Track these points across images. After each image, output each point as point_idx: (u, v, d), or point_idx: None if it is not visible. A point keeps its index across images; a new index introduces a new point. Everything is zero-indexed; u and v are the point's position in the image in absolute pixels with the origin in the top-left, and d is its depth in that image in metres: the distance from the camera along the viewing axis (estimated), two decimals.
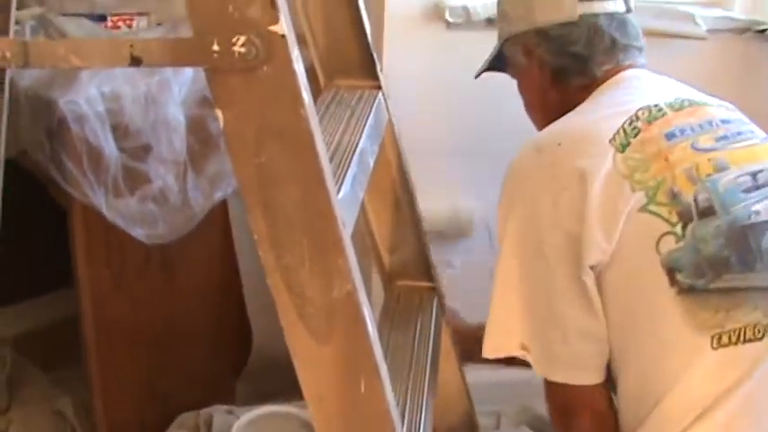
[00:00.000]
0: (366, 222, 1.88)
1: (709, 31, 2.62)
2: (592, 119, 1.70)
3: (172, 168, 2.26)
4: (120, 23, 2.55)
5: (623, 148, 1.60)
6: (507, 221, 1.67)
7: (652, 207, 1.56)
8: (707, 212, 1.55)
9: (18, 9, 2.07)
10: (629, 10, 1.82)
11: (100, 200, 2.19)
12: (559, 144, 1.66)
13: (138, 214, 2.23)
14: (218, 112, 1.13)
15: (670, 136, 1.63)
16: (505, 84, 2.54)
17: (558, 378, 1.67)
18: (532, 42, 1.85)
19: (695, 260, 1.53)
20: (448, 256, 2.72)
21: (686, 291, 1.53)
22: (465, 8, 2.48)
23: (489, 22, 2.49)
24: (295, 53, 1.12)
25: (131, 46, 1.15)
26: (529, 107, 1.95)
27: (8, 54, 1.21)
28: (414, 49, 2.52)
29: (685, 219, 1.55)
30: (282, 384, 1.77)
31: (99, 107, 2.16)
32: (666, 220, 1.55)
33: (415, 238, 1.92)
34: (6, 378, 2.77)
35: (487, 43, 2.50)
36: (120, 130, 2.20)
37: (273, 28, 1.09)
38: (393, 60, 2.43)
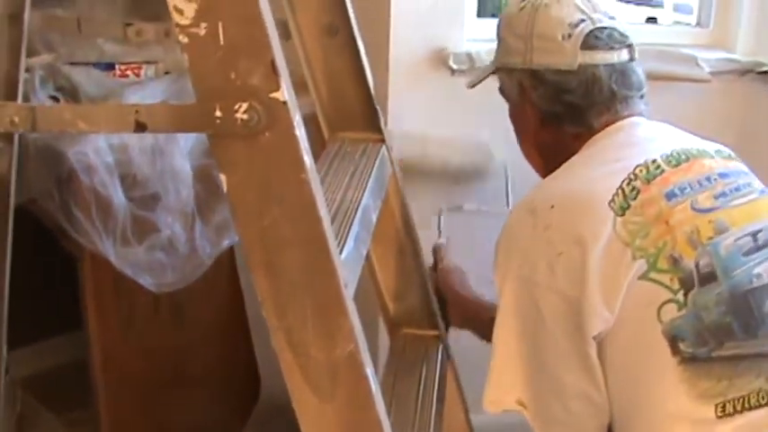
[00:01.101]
0: (371, 271, 1.90)
1: (711, 73, 2.65)
2: (587, 178, 1.64)
3: (179, 217, 2.28)
4: (128, 72, 2.57)
5: (623, 211, 1.55)
6: (505, 281, 1.62)
7: (653, 274, 1.52)
8: (708, 279, 1.52)
9: (27, 56, 2.10)
10: (632, 59, 1.75)
11: (108, 249, 2.21)
12: (552, 207, 1.60)
13: (147, 263, 2.25)
14: (222, 177, 1.16)
15: (670, 196, 1.58)
16: (510, 132, 2.57)
17: None
18: (527, 82, 1.77)
19: (697, 328, 1.51)
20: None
21: (688, 360, 1.51)
22: (469, 54, 2.50)
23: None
24: (297, 118, 1.14)
25: (137, 112, 1.18)
26: (519, 139, 1.88)
27: (16, 119, 1.24)
28: (418, 95, 2.54)
29: (687, 286, 1.52)
30: None
31: (107, 158, 2.18)
32: (668, 288, 1.52)
33: (420, 287, 1.94)
34: (17, 419, 2.78)
35: (492, 90, 2.53)
36: (128, 180, 2.22)
37: (275, 95, 1.11)
38: (397, 107, 2.45)
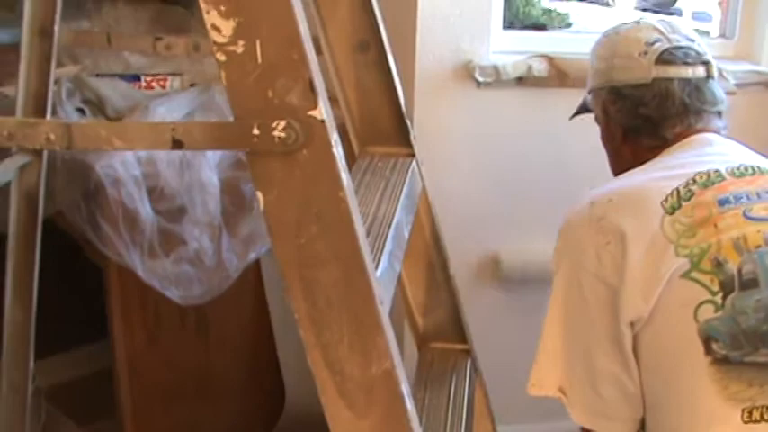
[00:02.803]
0: (400, 285, 1.89)
1: (737, 85, 2.63)
2: (649, 178, 1.72)
3: (207, 230, 2.28)
4: (153, 84, 2.57)
5: (673, 210, 1.62)
6: (559, 267, 1.72)
7: (694, 274, 1.56)
8: (750, 285, 1.54)
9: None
10: (709, 76, 1.84)
11: (135, 261, 2.21)
12: (610, 200, 1.68)
13: (174, 275, 2.25)
14: (259, 195, 1.15)
15: (723, 202, 1.62)
16: (536, 144, 2.58)
17: (587, 425, 1.70)
18: (608, 99, 1.88)
19: (733, 331, 1.52)
20: None
21: (721, 361, 1.52)
22: (495, 67, 2.50)
23: (519, 81, 2.51)
24: (334, 137, 1.14)
25: (173, 129, 1.18)
26: (608, 157, 1.97)
27: (52, 136, 1.24)
28: (444, 108, 2.54)
29: (727, 289, 1.54)
30: None
31: (135, 171, 2.19)
32: (707, 289, 1.55)
33: (449, 301, 1.93)
34: (42, 429, 2.78)
35: (517, 103, 2.54)
36: (155, 193, 2.23)
37: (312, 113, 1.11)
38: (424, 119, 2.45)
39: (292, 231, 1.16)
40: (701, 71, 1.83)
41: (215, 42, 1.12)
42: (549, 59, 2.54)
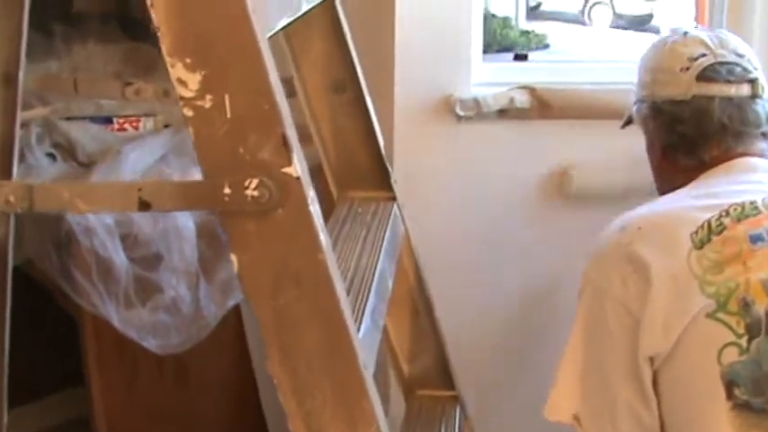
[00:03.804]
0: (384, 332, 1.83)
1: None
2: (682, 206, 1.66)
3: (184, 277, 2.22)
4: (126, 126, 2.51)
5: (702, 244, 1.56)
6: (584, 290, 1.69)
7: (720, 315, 1.51)
8: None
9: (22, 110, 2.05)
10: (755, 95, 1.75)
11: (111, 311, 2.15)
12: (639, 228, 1.64)
13: (151, 325, 2.18)
14: (233, 256, 1.10)
15: (756, 239, 1.56)
16: (520, 178, 2.52)
17: None
18: (648, 114, 1.82)
19: (756, 376, 1.49)
20: None
21: (742, 406, 1.49)
22: (476, 100, 2.43)
23: (501, 113, 2.46)
24: (311, 194, 1.08)
25: (140, 190, 1.12)
26: (653, 174, 1.90)
27: (12, 198, 1.19)
28: (424, 144, 2.47)
29: (753, 332, 1.50)
30: None
31: (107, 219, 2.12)
32: (733, 331, 1.51)
33: (435, 347, 1.88)
34: None
35: (500, 136, 2.48)
36: (129, 240, 2.16)
37: (287, 170, 1.06)
38: (404, 157, 2.39)
39: (269, 294, 1.11)
40: (745, 89, 1.74)
41: (181, 97, 1.07)
42: (532, 90, 2.48)
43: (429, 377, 1.92)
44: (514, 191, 2.53)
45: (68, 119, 2.50)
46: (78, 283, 2.14)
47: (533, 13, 9.78)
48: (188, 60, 1.04)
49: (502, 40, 8.56)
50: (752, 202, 1.60)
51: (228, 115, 1.05)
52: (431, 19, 2.42)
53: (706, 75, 1.73)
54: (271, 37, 1.14)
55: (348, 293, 1.32)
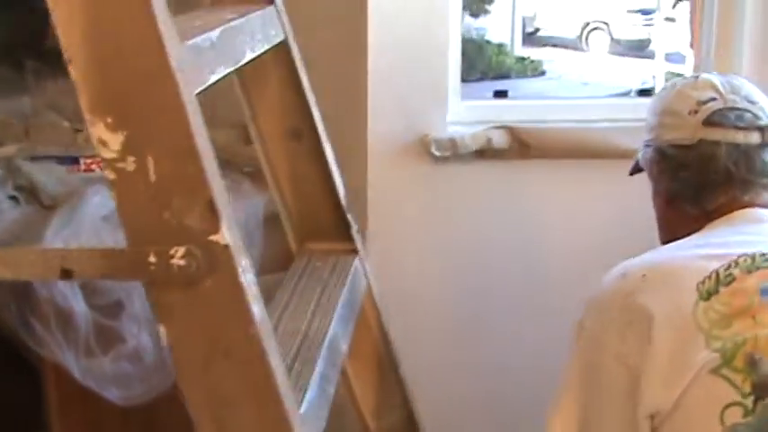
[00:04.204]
0: (348, 388, 1.75)
1: None
2: (689, 255, 1.58)
3: (146, 325, 2.14)
4: (93, 166, 2.43)
5: (709, 296, 1.47)
6: (579, 338, 1.61)
7: (725, 371, 1.43)
8: None
9: None
10: (765, 144, 1.66)
11: (71, 361, 2.07)
12: (644, 276, 1.55)
13: (112, 375, 2.11)
14: (161, 328, 1.03)
15: (766, 292, 1.48)
16: (498, 221, 2.45)
17: None
18: (653, 158, 1.73)
19: None
20: None
21: None
22: (452, 140, 2.37)
23: (478, 154, 2.39)
24: (242, 263, 1.02)
25: (63, 258, 1.06)
26: (656, 218, 1.82)
27: None
28: (399, 185, 2.41)
29: (759, 392, 1.42)
30: None
31: None
32: (738, 389, 1.42)
33: (402, 404, 1.80)
34: None
35: (477, 177, 2.41)
36: (89, 288, 2.08)
37: (214, 237, 1.00)
38: (378, 199, 2.32)
39: (199, 369, 1.05)
40: (754, 137, 1.65)
41: (103, 158, 1.00)
42: (510, 130, 2.41)
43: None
44: (493, 235, 2.46)
45: (33, 158, 2.43)
46: (37, 332, 2.07)
47: (530, 39, 9.80)
48: (109, 120, 0.99)
49: (497, 67, 8.55)
50: (762, 254, 1.52)
51: (152, 178, 0.99)
52: (405, 54, 2.37)
53: (713, 119, 1.65)
54: (201, 92, 1.06)
55: (294, 361, 1.26)
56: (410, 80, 2.37)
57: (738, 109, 1.66)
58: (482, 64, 8.26)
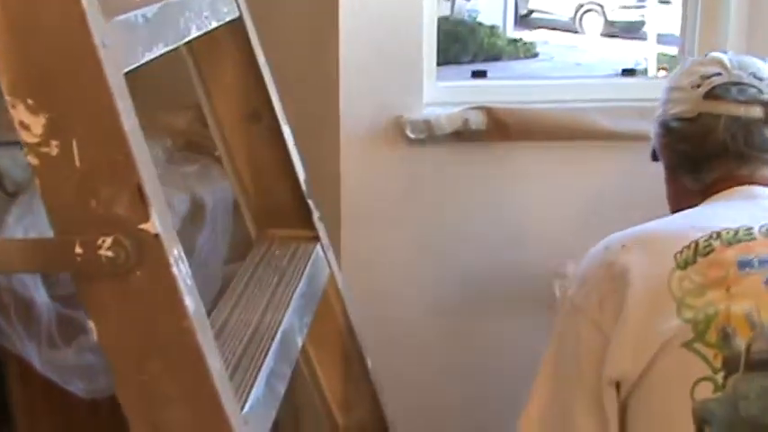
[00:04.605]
0: (314, 380, 1.69)
1: None
2: (672, 227, 1.60)
3: None
4: None
5: (686, 265, 1.47)
6: (562, 308, 1.62)
7: (697, 345, 1.41)
8: (757, 366, 1.39)
9: None
10: (767, 119, 1.65)
11: (32, 353, 2.00)
12: (623, 246, 1.56)
13: (76, 367, 2.04)
14: (91, 324, 0.97)
15: (744, 264, 1.46)
16: (476, 204, 2.39)
17: None
18: (658, 132, 1.74)
19: (730, 418, 1.38)
20: None
21: None
22: (427, 122, 2.30)
23: (455, 135, 2.32)
24: (174, 253, 0.95)
25: None
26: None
27: None
28: (373, 169, 2.34)
29: (730, 368, 1.39)
30: None
31: None
32: (709, 364, 1.40)
33: (369, 397, 1.73)
34: None
35: (454, 160, 2.34)
36: (51, 278, 2.02)
37: (144, 226, 0.94)
38: (351, 183, 2.26)
39: (133, 367, 0.99)
40: (756, 111, 1.64)
41: (25, 143, 0.94)
42: (488, 110, 2.34)
43: (366, 428, 1.77)
44: (470, 219, 2.39)
45: None
46: None
47: (524, 21, 9.73)
48: (30, 102, 0.92)
49: (489, 49, 8.48)
50: (747, 228, 1.51)
51: (77, 164, 0.93)
52: (379, 32, 2.30)
53: (715, 93, 1.66)
54: (129, 73, 0.99)
55: (241, 357, 1.19)
56: (384, 60, 2.30)
57: (742, 84, 1.66)
58: (474, 46, 8.19)
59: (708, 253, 1.47)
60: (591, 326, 1.50)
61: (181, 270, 0.95)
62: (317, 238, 1.57)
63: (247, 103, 1.51)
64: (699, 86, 1.67)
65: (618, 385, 1.46)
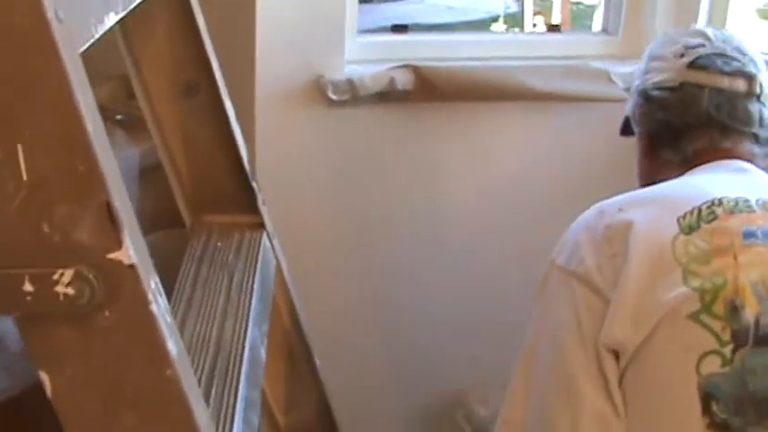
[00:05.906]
0: None
1: (627, 89, 2.31)
2: (670, 193, 1.54)
3: None
4: None
5: (690, 230, 1.42)
6: (551, 269, 1.52)
7: (704, 317, 1.35)
8: (766, 341, 1.34)
9: None
10: (751, 93, 1.62)
11: None
12: (620, 209, 1.49)
13: None
14: (43, 376, 0.79)
15: (748, 234, 1.40)
16: (402, 170, 2.23)
17: None
18: (637, 101, 1.71)
19: (738, 393, 1.33)
20: None
21: (718, 426, 1.33)
22: (350, 82, 2.11)
23: (380, 96, 2.14)
24: (152, 286, 0.75)
25: None
26: (637, 167, 1.78)
27: None
28: (292, 134, 2.15)
29: (739, 341, 1.34)
30: None
31: None
32: (717, 337, 1.34)
33: (316, 396, 1.58)
34: None
35: (380, 122, 2.18)
36: None
37: (114, 255, 0.75)
38: (268, 150, 2.06)
39: (96, 425, 0.80)
40: (740, 84, 1.62)
41: None
42: (414, 69, 2.17)
43: (311, 428, 1.61)
44: (397, 184, 2.23)
45: None
46: None
47: None
48: None
49: None
50: (746, 200, 1.46)
51: (24, 177, 0.73)
52: None
53: (699, 63, 1.64)
54: (88, 49, 0.79)
55: (211, 383, 1.01)
56: (301, 14, 2.10)
57: (726, 56, 1.64)
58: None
59: (711, 220, 1.42)
60: (587, 289, 1.44)
61: (160, 306, 0.76)
62: (262, 225, 1.39)
63: (183, 73, 1.31)
64: (683, 56, 1.65)
65: (615, 354, 1.40)
